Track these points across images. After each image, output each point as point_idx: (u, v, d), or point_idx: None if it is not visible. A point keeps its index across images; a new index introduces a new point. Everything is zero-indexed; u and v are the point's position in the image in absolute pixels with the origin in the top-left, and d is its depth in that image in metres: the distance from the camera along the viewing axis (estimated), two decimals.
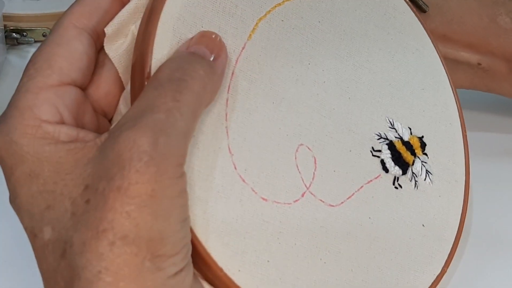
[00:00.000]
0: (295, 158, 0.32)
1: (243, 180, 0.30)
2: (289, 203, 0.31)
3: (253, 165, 0.30)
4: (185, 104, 0.27)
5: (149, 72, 0.28)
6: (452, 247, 0.35)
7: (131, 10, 0.31)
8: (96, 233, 0.25)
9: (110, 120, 0.32)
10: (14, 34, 0.59)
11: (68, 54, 0.29)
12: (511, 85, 0.46)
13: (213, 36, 0.30)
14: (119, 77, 0.31)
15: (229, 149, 0.30)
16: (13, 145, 0.27)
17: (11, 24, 0.59)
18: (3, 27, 0.58)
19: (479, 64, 0.44)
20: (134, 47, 0.30)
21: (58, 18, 0.31)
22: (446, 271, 0.35)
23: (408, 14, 0.39)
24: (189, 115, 0.27)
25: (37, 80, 0.28)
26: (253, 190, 0.30)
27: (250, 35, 0.32)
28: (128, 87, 0.31)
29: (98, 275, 0.24)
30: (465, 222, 0.37)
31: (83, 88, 0.30)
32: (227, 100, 0.30)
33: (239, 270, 0.28)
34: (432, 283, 0.34)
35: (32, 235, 0.27)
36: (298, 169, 0.32)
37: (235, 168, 0.30)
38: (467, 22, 0.44)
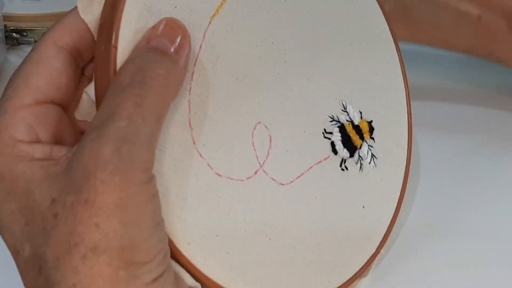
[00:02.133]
0: (252, 135, 0.33)
1: (200, 155, 0.30)
2: (242, 180, 0.32)
3: (211, 140, 0.31)
4: (148, 108, 0.27)
5: (116, 44, 0.28)
6: (387, 229, 0.38)
7: None
8: (68, 247, 0.25)
9: None
10: (14, 34, 0.59)
11: (46, 73, 0.29)
12: (509, 47, 0.46)
13: (175, 25, 0.29)
14: None
15: (189, 123, 0.30)
16: None
17: (11, 24, 0.59)
18: (3, 27, 0.58)
19: (479, 18, 0.44)
20: (102, 9, 0.30)
21: (57, 19, 0.31)
22: (380, 252, 0.37)
23: None
24: (152, 118, 0.27)
25: (13, 101, 0.28)
26: (209, 166, 0.31)
27: (218, 9, 0.32)
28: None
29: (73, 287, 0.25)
30: (402, 206, 0.39)
31: (64, 105, 0.30)
32: (192, 74, 0.30)
33: (188, 243, 0.29)
34: (366, 262, 0.36)
35: (15, 252, 0.27)
36: (254, 147, 0.32)
37: (194, 142, 0.30)
38: None
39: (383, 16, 0.40)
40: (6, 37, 0.58)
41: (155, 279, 0.26)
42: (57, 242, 0.25)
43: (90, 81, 0.30)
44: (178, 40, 0.29)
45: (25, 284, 0.27)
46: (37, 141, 0.29)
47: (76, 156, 0.26)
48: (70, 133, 0.31)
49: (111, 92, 0.27)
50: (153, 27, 0.29)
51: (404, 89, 0.41)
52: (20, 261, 0.27)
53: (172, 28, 0.29)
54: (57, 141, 0.30)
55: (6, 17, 0.60)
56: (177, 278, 0.29)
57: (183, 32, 0.29)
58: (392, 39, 0.41)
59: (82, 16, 0.30)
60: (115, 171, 0.25)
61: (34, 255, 0.26)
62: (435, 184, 0.44)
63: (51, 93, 0.30)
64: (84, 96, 0.30)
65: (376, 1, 0.40)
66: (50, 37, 0.30)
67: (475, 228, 0.41)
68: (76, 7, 0.30)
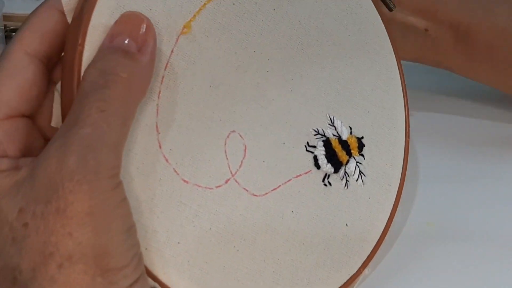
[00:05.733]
0: (225, 144, 0.32)
1: (166, 160, 0.30)
2: (210, 188, 0.31)
3: (179, 146, 0.30)
4: (112, 113, 0.26)
5: (83, 42, 0.28)
6: (372, 250, 0.36)
7: None
8: (43, 257, 0.25)
9: None
10: (14, 33, 0.59)
11: (18, 86, 0.29)
12: (458, 57, 0.46)
13: (136, 19, 0.28)
14: None
15: (156, 127, 0.30)
16: None
17: (11, 24, 0.60)
18: (3, 27, 0.60)
19: (426, 30, 0.45)
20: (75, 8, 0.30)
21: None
22: (362, 272, 0.35)
23: (372, 12, 0.39)
24: (117, 123, 0.26)
25: None
26: (175, 171, 0.30)
27: (194, 15, 0.31)
28: None
29: None
30: (391, 227, 0.37)
31: (32, 116, 0.30)
32: (162, 78, 0.30)
33: (146, 249, 0.29)
34: (345, 282, 0.34)
35: None
36: (226, 155, 0.32)
37: (160, 147, 0.30)
38: None
39: (385, 30, 0.39)
40: (6, 37, 0.59)
41: (131, 285, 0.26)
42: (31, 252, 0.25)
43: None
44: (141, 33, 0.28)
45: None
46: (4, 155, 0.28)
47: (42, 165, 0.26)
48: (39, 145, 0.30)
49: (76, 98, 0.27)
50: (115, 22, 0.28)
51: (403, 106, 0.39)
52: None
53: (133, 23, 0.28)
54: (26, 153, 0.29)
55: (6, 17, 0.61)
56: None
57: (146, 26, 0.28)
58: (393, 54, 0.39)
59: (68, 18, 0.30)
60: (82, 180, 0.25)
61: (4, 266, 0.26)
62: (435, 187, 0.43)
63: (22, 107, 0.29)
64: (56, 94, 0.30)
65: (378, 15, 0.39)
66: (19, 44, 0.30)
67: (475, 230, 0.41)
68: (43, 3, 0.30)
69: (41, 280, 0.25)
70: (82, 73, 0.28)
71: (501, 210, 0.42)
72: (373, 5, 0.39)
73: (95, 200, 0.25)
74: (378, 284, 0.37)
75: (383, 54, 0.39)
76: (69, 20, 0.30)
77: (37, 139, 0.30)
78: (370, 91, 0.38)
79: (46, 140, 0.31)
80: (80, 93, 0.27)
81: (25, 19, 0.31)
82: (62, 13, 0.30)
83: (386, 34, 0.39)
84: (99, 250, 0.25)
